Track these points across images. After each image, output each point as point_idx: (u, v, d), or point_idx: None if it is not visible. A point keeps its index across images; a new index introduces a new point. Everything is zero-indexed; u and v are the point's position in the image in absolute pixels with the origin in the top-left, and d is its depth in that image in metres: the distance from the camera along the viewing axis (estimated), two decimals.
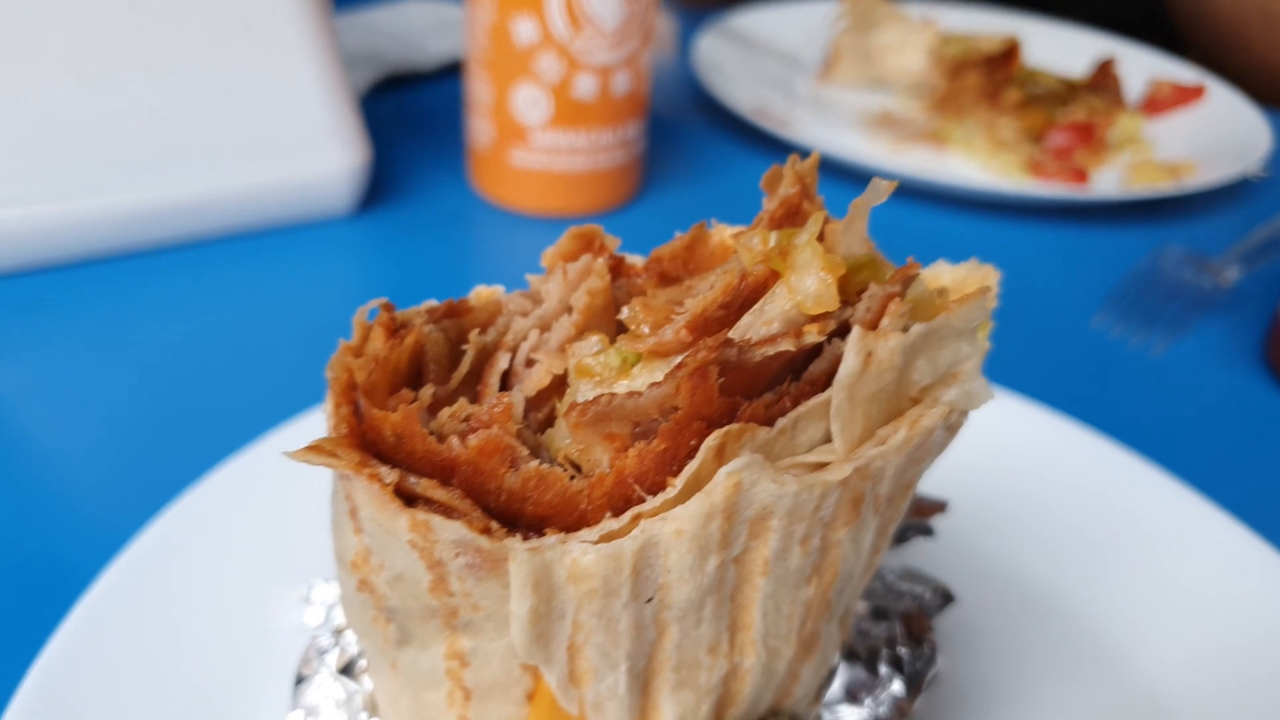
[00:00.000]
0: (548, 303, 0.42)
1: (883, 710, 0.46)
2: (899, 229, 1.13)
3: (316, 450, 0.33)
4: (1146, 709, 0.53)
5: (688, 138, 1.32)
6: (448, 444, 0.34)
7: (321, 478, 0.51)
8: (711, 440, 0.33)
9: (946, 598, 0.53)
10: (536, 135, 1.01)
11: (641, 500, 0.34)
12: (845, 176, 1.19)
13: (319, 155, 0.98)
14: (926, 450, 0.38)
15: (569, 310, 0.41)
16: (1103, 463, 0.68)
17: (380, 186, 1.11)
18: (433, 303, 0.42)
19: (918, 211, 1.17)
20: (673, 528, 0.34)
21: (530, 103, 0.98)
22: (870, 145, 1.29)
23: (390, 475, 0.33)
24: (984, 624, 0.57)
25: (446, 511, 0.33)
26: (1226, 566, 0.61)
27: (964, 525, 0.63)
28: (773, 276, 0.37)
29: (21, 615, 0.60)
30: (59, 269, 0.93)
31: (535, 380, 0.40)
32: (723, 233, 0.45)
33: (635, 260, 0.44)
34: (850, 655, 0.48)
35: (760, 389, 0.36)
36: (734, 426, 0.33)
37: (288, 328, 0.90)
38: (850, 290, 0.38)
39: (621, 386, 0.38)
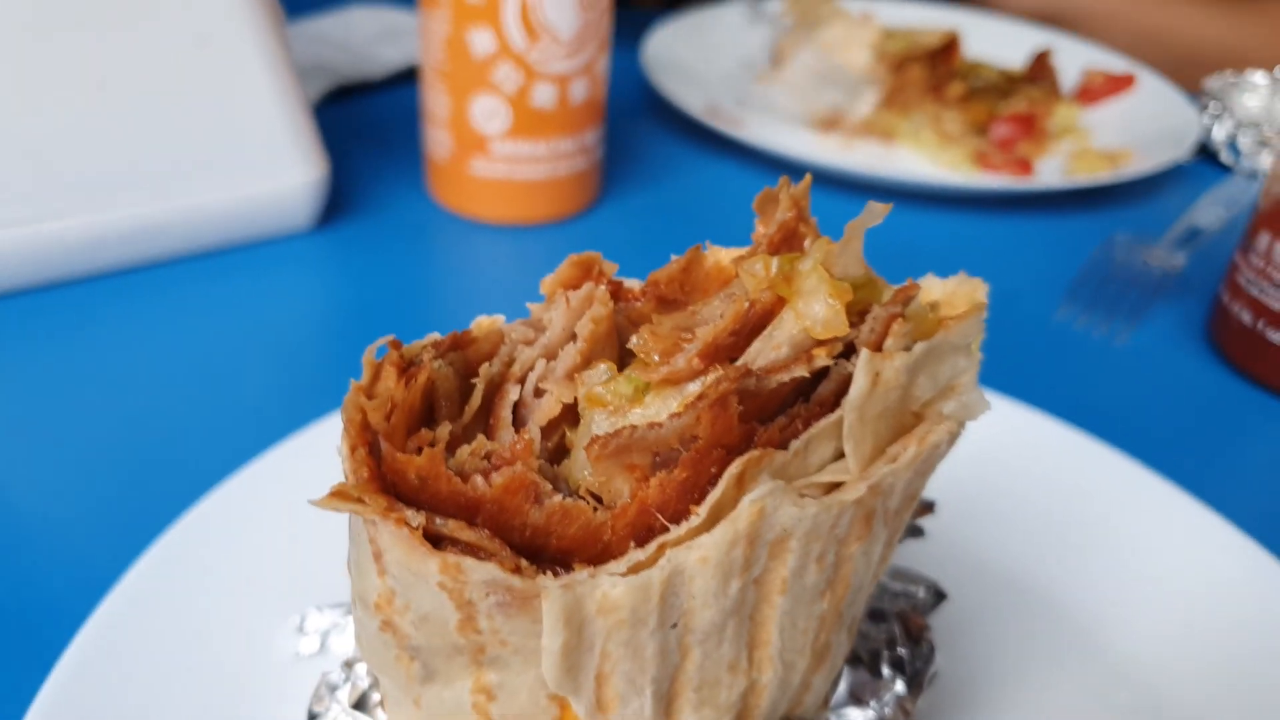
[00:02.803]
0: (551, 331, 0.42)
1: (888, 711, 0.48)
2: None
3: (342, 497, 0.33)
4: (1130, 688, 0.56)
5: (642, 140, 1.32)
6: (472, 483, 0.34)
7: (305, 508, 0.50)
8: (733, 469, 0.34)
9: (939, 595, 0.55)
10: (496, 145, 1.00)
11: (664, 529, 0.35)
12: (797, 174, 1.21)
13: (277, 171, 0.96)
14: (931, 463, 0.40)
15: (573, 338, 0.42)
16: (1078, 455, 0.71)
17: (339, 199, 1.10)
18: (436, 336, 0.42)
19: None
20: (698, 555, 0.34)
21: (489, 113, 0.98)
22: (820, 143, 1.31)
23: (417, 519, 0.33)
24: (973, 617, 0.59)
25: (475, 552, 0.33)
26: (1198, 549, 0.64)
27: (950, 523, 0.65)
28: (779, 302, 0.38)
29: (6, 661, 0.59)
30: (12, 296, 0.91)
31: (545, 410, 0.40)
32: (717, 254, 0.45)
33: (632, 284, 0.45)
34: (853, 659, 0.49)
35: (772, 412, 0.37)
36: (753, 454, 0.34)
37: (254, 347, 0.88)
38: (850, 310, 0.39)
39: (636, 414, 0.38)
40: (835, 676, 0.48)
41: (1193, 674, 0.57)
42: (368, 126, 1.28)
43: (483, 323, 0.45)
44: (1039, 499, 0.68)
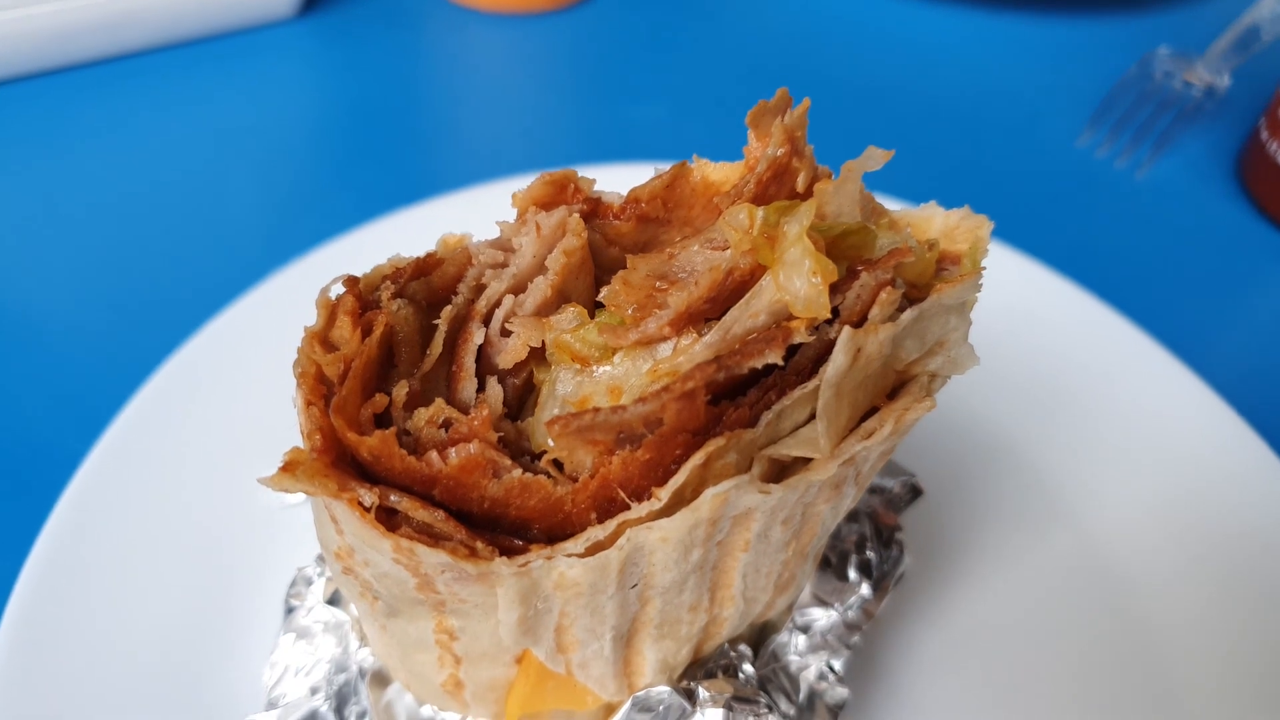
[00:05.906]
0: (520, 258, 0.40)
1: (851, 614, 0.49)
2: (886, 22, 1.06)
3: (292, 475, 0.32)
4: (1096, 560, 0.57)
5: None
6: (427, 459, 0.33)
7: (291, 355, 0.50)
8: (696, 459, 0.32)
9: (915, 491, 0.55)
10: None
11: (625, 505, 0.34)
12: None
13: None
14: (908, 431, 0.38)
15: (544, 270, 0.39)
16: (1074, 314, 0.69)
17: None
18: (399, 261, 0.40)
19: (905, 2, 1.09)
20: (658, 535, 0.34)
21: None
22: None
23: (370, 497, 0.33)
24: (947, 490, 0.59)
25: (430, 532, 0.33)
26: (1187, 426, 0.63)
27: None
28: (759, 269, 0.35)
29: None
30: None
31: (512, 354, 0.38)
32: (704, 169, 0.41)
33: (612, 199, 0.42)
34: (823, 562, 0.50)
35: (745, 383, 0.35)
36: (718, 443, 0.33)
37: (236, 140, 0.84)
38: (838, 254, 0.37)
39: (603, 372, 0.37)
40: (800, 589, 0.49)
41: (1167, 560, 0.57)
42: None
43: (449, 241, 0.42)
44: (1028, 359, 0.66)
